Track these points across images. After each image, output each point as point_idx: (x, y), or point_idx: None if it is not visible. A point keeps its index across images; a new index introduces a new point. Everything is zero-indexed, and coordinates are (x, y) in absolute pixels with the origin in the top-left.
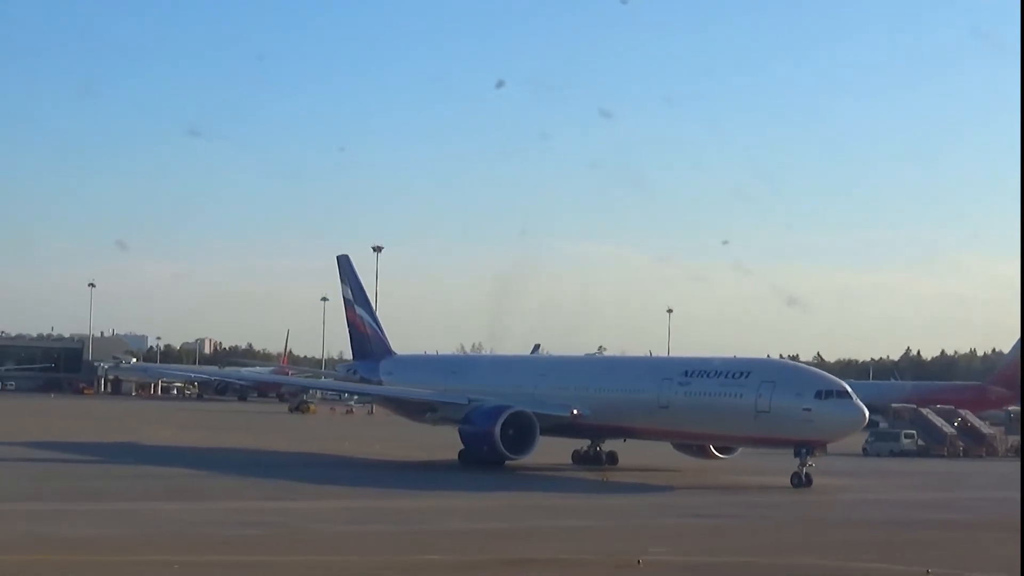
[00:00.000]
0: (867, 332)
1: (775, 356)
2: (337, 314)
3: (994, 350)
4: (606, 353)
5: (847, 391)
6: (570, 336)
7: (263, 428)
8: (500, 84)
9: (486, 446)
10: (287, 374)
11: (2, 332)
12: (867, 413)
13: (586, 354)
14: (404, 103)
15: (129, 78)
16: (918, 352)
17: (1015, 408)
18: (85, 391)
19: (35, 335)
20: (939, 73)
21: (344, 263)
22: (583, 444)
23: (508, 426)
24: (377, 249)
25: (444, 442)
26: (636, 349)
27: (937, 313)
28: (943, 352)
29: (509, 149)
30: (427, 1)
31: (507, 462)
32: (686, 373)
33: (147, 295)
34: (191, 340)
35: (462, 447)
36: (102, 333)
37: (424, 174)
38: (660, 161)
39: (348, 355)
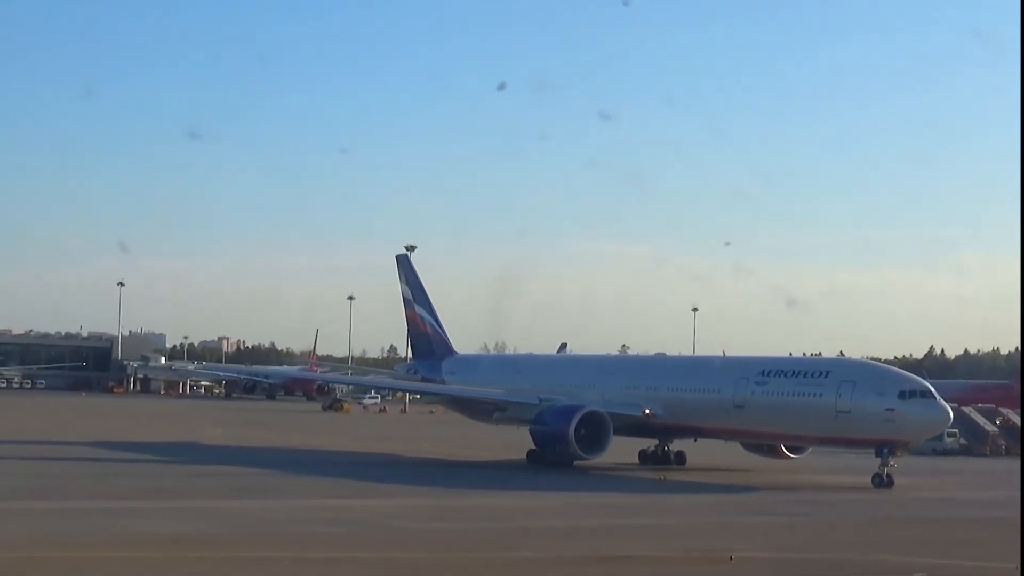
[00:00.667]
0: (871, 331)
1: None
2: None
3: (1016, 348)
4: (630, 352)
5: (930, 391)
6: (577, 335)
7: (306, 427)
8: (502, 86)
9: (559, 446)
10: (315, 372)
11: (30, 331)
12: (951, 413)
13: (655, 353)
14: (405, 104)
15: (130, 78)
16: (942, 351)
17: None
18: (115, 390)
19: (62, 334)
20: (940, 73)
21: (403, 262)
22: (650, 444)
23: (581, 425)
24: (410, 248)
25: (497, 441)
26: (645, 348)
27: (943, 312)
28: (966, 351)
29: (509, 150)
30: (427, 2)
31: (578, 462)
32: (763, 372)
33: (159, 294)
34: (204, 339)
35: (533, 447)
36: (130, 332)
37: (425, 174)
38: (660, 161)
39: (371, 353)
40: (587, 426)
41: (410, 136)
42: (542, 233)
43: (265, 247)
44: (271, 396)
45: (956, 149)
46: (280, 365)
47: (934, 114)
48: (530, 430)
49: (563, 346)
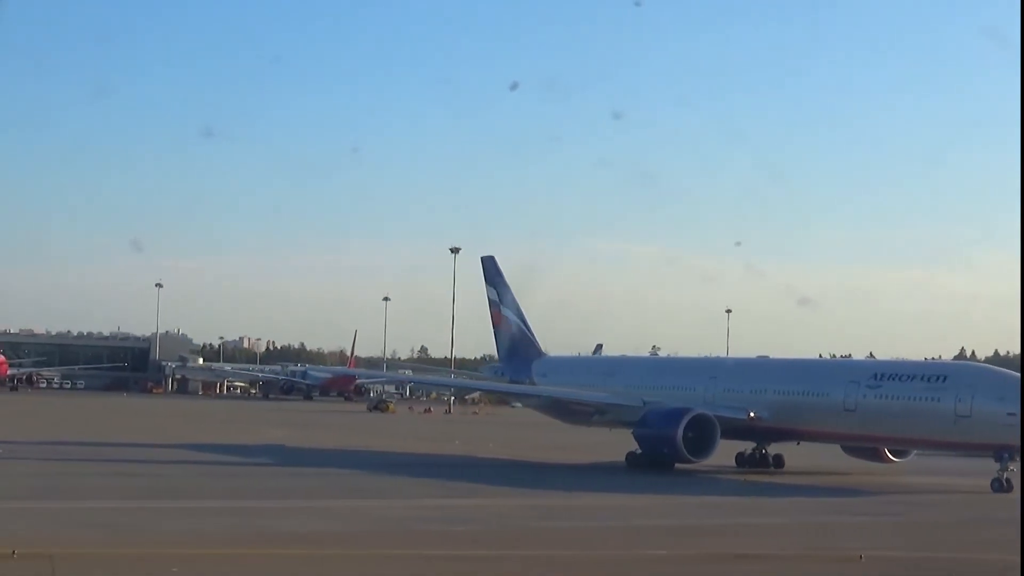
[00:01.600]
0: (889, 330)
1: (799, 354)
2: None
3: None
4: (661, 353)
5: None
6: (593, 336)
7: (365, 428)
8: (514, 86)
9: (666, 449)
10: (354, 375)
11: (67, 331)
12: None
13: (758, 356)
14: (417, 105)
15: (144, 79)
16: (972, 352)
17: None
18: (154, 390)
19: (97, 334)
20: (954, 72)
21: (489, 264)
22: (747, 447)
23: (688, 429)
24: (455, 250)
25: (571, 443)
26: (673, 349)
27: (967, 312)
28: (996, 352)
29: (521, 150)
30: (440, 3)
31: (683, 465)
32: (875, 376)
33: (178, 294)
34: (222, 338)
35: (635, 449)
36: (167, 332)
37: (436, 174)
38: (672, 160)
39: (402, 353)
40: (694, 429)
41: (422, 136)
42: (554, 233)
43: (276, 246)
44: (308, 397)
45: (969, 148)
46: (311, 366)
47: (948, 113)
48: (634, 433)
49: (599, 347)
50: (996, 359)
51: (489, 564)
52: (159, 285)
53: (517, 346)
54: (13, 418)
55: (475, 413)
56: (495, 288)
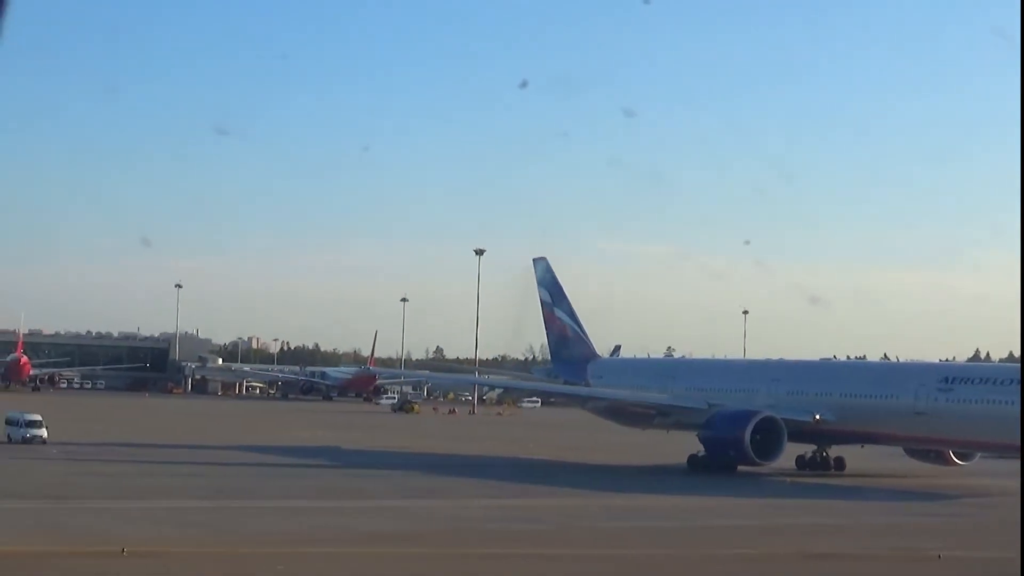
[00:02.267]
0: (898, 331)
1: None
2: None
3: None
4: (688, 355)
5: None
6: (602, 337)
7: (397, 428)
8: (524, 84)
9: (733, 451)
10: (374, 376)
11: (86, 331)
12: None
13: (821, 359)
14: (426, 103)
15: (155, 78)
16: (987, 354)
17: None
18: (174, 391)
19: (117, 334)
20: (959, 72)
21: (541, 266)
22: (807, 449)
23: (755, 431)
24: (479, 252)
25: (609, 443)
26: (688, 349)
27: (979, 313)
28: (1011, 354)
29: (530, 148)
30: (450, 1)
31: (747, 467)
32: (946, 380)
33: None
34: (230, 338)
35: (698, 452)
36: (185, 333)
37: (446, 173)
38: (681, 160)
39: (416, 354)
40: (760, 432)
41: (431, 134)
42: (563, 232)
43: (285, 246)
44: (328, 397)
45: (976, 148)
46: (325, 366)
47: (956, 112)
48: (699, 436)
49: (617, 348)
50: (1012, 360)
51: (567, 564)
52: (179, 286)
53: (571, 348)
54: (60, 419)
55: (499, 414)
56: (547, 290)
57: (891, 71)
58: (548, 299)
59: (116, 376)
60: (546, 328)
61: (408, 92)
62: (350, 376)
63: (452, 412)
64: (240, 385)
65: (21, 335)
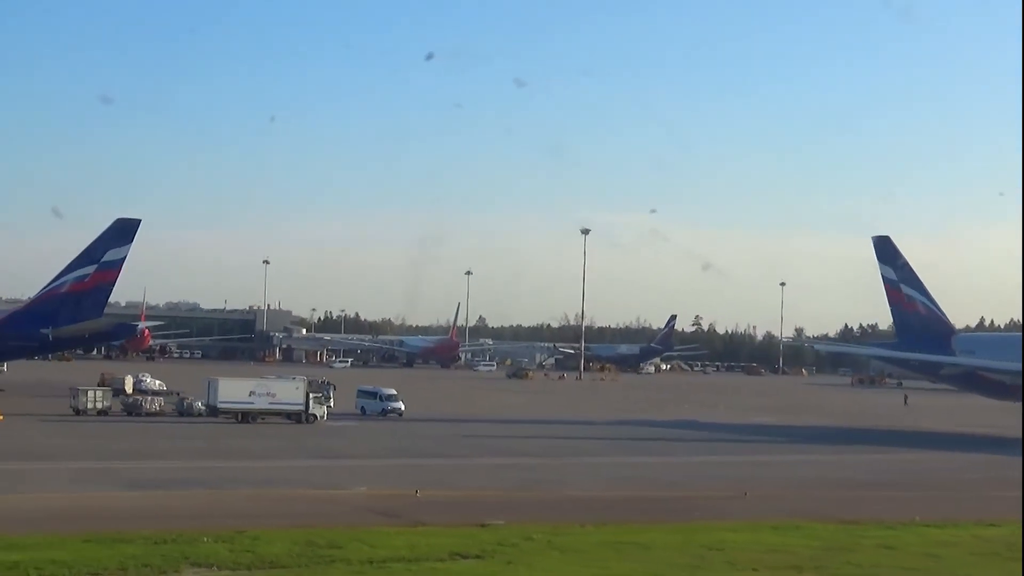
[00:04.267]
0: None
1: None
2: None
3: None
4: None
5: None
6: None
7: (577, 394)
8: (430, 56)
9: None
10: (457, 344)
11: (180, 302)
12: None
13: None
14: (334, 74)
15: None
16: (992, 321)
17: None
18: (267, 359)
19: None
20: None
21: (884, 244)
22: None
23: None
24: (585, 231)
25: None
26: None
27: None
28: (1012, 320)
29: (428, 120)
30: None
31: None
32: None
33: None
34: (315, 310)
35: None
36: (269, 306)
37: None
38: (585, 130)
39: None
40: None
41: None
42: (463, 203)
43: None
44: (409, 364)
45: (872, 120)
46: (369, 335)
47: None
48: None
49: (673, 318)
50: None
51: None
52: (266, 262)
53: (925, 323)
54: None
55: (602, 379)
56: (891, 267)
57: (792, 40)
58: (893, 277)
59: (210, 346)
60: (890, 305)
61: (314, 64)
62: (432, 345)
63: (561, 377)
64: (322, 353)
65: (144, 307)
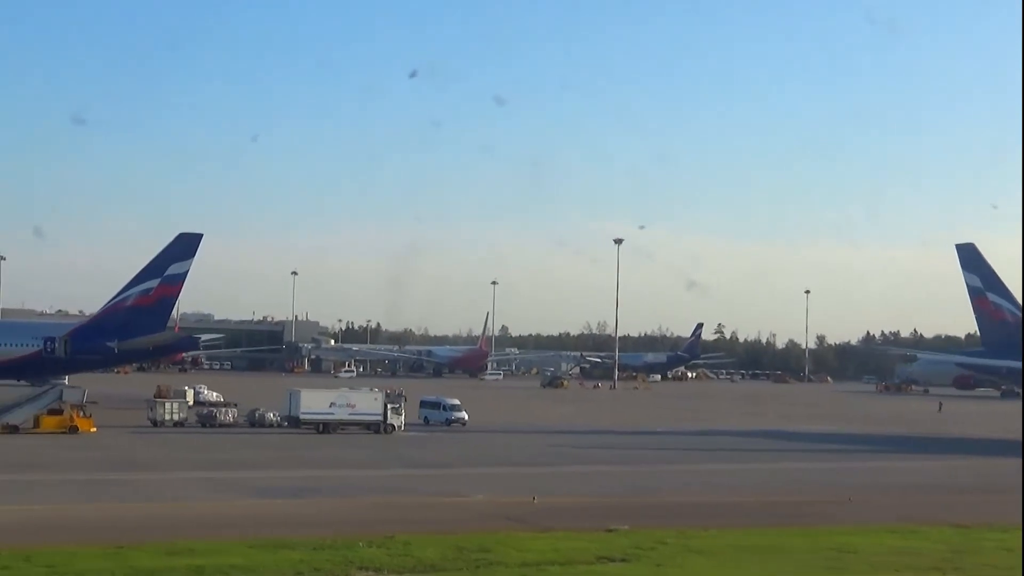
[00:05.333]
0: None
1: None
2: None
3: None
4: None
5: None
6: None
7: (624, 404)
8: (413, 74)
9: None
10: (486, 354)
11: (208, 314)
12: None
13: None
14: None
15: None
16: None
17: None
18: (295, 370)
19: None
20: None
21: (969, 252)
22: None
23: None
24: (618, 241)
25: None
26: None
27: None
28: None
29: (408, 137)
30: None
31: None
32: None
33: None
34: (341, 320)
35: None
36: (297, 317)
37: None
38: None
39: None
40: None
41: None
42: (442, 217)
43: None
44: (437, 374)
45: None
46: (393, 345)
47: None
48: None
49: (700, 326)
50: None
51: None
52: (295, 273)
53: (1011, 330)
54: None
55: (636, 388)
56: (976, 275)
57: (770, 59)
58: (978, 284)
59: (239, 357)
60: (976, 313)
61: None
62: (460, 354)
63: (596, 387)
64: (349, 363)
65: (177, 319)
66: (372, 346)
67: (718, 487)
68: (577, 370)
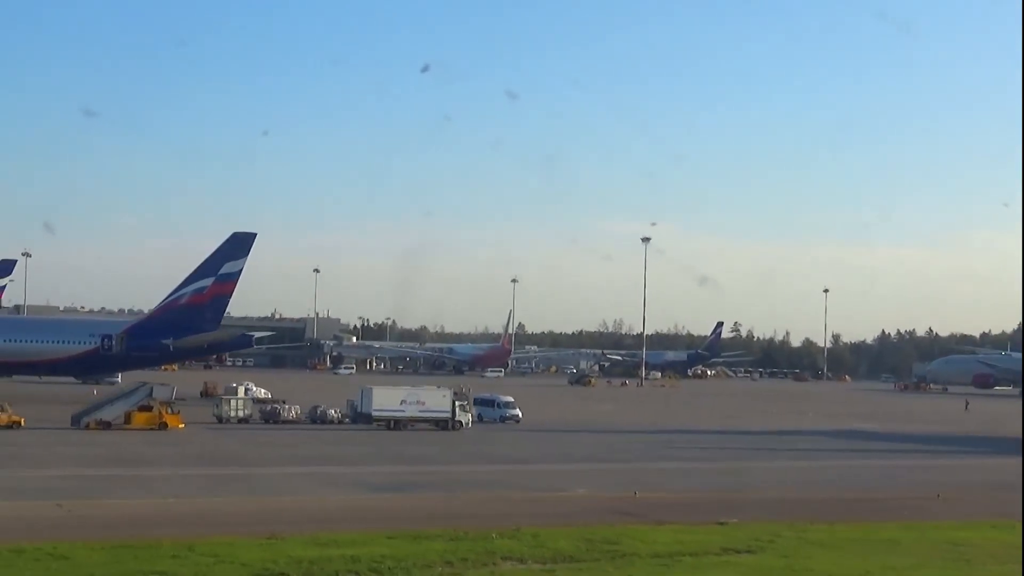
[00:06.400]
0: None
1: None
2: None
3: None
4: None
5: None
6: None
7: (627, 401)
8: (425, 68)
9: None
10: (508, 351)
11: (228, 312)
12: None
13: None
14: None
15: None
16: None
17: None
18: (317, 367)
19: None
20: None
21: None
22: None
23: None
24: (646, 240)
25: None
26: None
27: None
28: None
29: (417, 132)
30: None
31: None
32: None
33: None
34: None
35: None
36: (318, 314)
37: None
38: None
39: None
40: None
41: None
42: (453, 215)
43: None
44: (458, 371)
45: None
46: (405, 342)
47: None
48: None
49: (720, 324)
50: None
51: None
52: (316, 270)
53: None
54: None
55: (663, 386)
56: None
57: (778, 59)
58: None
59: (260, 354)
60: None
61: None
62: (483, 352)
63: (623, 384)
64: (370, 361)
65: None
66: (393, 343)
67: (806, 483)
68: (596, 368)
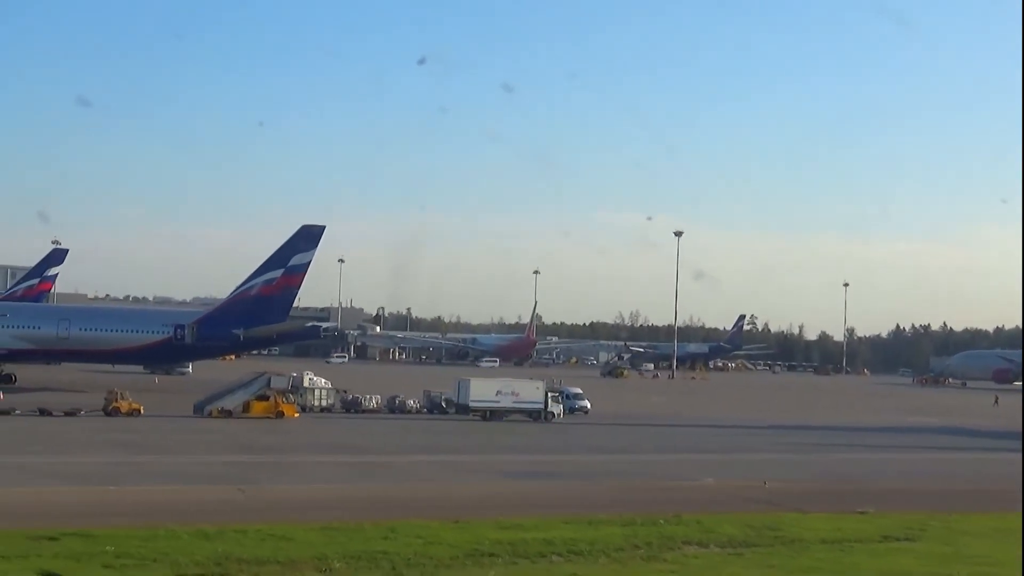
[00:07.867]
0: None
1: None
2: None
3: None
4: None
5: None
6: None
7: (672, 392)
8: (422, 61)
9: None
10: (533, 342)
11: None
12: None
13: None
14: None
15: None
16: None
17: None
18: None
19: None
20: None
21: None
22: None
23: None
24: (678, 234)
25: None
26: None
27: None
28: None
29: (413, 123)
30: None
31: None
32: None
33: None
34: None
35: None
36: (342, 304)
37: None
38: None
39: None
40: None
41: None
42: (449, 206)
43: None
44: (477, 361)
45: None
46: (425, 333)
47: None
48: None
49: (742, 317)
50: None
51: None
52: (341, 261)
53: None
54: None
55: (693, 378)
56: None
57: (779, 52)
58: None
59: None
60: None
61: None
62: (507, 343)
63: (655, 376)
64: (394, 351)
65: None
66: (416, 333)
67: (911, 475)
68: (617, 359)
